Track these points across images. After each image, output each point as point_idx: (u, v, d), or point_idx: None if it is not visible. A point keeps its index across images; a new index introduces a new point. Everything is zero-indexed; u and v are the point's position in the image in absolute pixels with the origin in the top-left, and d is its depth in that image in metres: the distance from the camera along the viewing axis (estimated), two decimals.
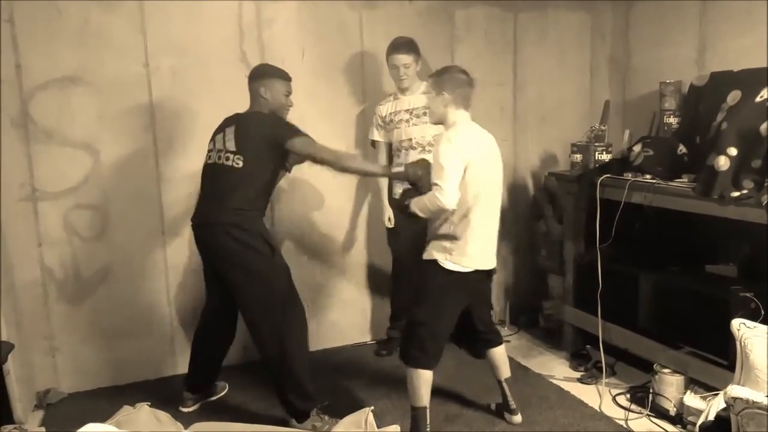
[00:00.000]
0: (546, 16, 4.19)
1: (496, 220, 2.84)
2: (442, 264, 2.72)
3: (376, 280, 4.06)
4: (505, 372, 3.06)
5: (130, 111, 3.37)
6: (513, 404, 3.05)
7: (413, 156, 3.55)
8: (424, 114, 3.52)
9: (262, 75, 2.95)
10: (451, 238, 2.70)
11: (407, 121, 3.57)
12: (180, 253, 3.57)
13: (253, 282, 2.87)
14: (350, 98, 3.82)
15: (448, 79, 2.74)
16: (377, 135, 3.70)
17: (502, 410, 3.10)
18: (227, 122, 2.96)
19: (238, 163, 2.83)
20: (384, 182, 3.75)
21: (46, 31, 3.17)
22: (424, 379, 2.78)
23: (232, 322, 3.17)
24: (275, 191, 3.20)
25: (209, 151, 2.97)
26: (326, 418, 2.97)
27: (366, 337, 4.09)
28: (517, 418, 3.04)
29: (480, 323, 2.98)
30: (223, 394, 3.40)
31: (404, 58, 3.49)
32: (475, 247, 2.72)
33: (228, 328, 3.19)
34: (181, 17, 3.39)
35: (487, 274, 2.89)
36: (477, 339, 3.03)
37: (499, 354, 3.05)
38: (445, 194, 2.57)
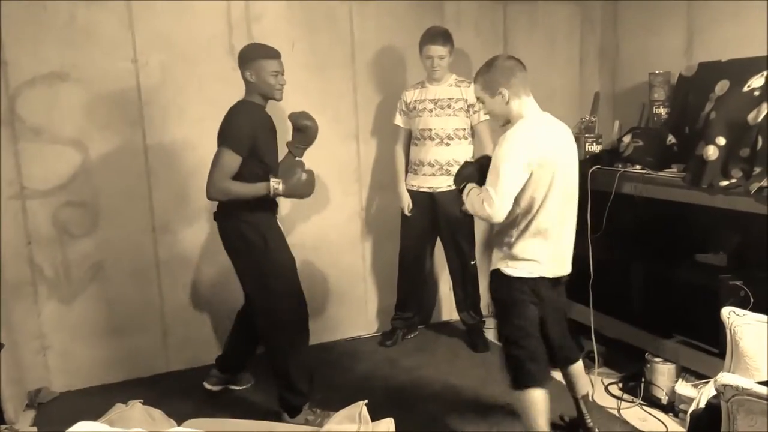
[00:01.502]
0: (535, 7, 4.19)
1: (571, 222, 2.58)
2: (504, 271, 2.51)
3: (379, 273, 4.07)
4: (583, 388, 2.81)
5: (119, 107, 3.35)
6: (590, 422, 2.79)
7: (431, 147, 3.57)
8: (449, 106, 3.55)
9: (246, 58, 2.82)
10: (515, 242, 2.48)
11: (430, 111, 3.57)
12: (171, 249, 3.55)
13: (248, 274, 2.90)
14: (341, 91, 3.81)
15: (497, 72, 2.45)
16: (399, 120, 3.71)
17: (577, 427, 2.86)
18: None
19: None
20: (401, 172, 3.76)
21: (33, 28, 3.14)
22: (532, 401, 2.50)
23: None
24: None
25: None
26: (318, 411, 2.98)
27: (369, 330, 4.09)
28: None
29: (556, 337, 2.70)
30: (247, 386, 3.40)
31: (440, 50, 3.48)
32: (542, 252, 2.48)
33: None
34: (169, 12, 3.36)
35: (559, 282, 2.64)
36: (552, 355, 2.69)
37: (578, 369, 2.80)
38: (495, 207, 2.33)
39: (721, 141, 2.90)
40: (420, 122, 3.61)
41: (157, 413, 2.84)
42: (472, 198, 2.47)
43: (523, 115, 2.47)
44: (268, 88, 2.83)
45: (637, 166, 3.29)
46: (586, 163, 3.50)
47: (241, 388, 3.39)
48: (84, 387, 3.46)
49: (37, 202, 3.28)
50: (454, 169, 3.50)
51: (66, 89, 3.24)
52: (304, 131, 3.01)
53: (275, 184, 2.75)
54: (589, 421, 2.80)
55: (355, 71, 3.82)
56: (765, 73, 2.92)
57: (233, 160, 2.71)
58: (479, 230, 3.97)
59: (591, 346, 3.39)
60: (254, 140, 2.77)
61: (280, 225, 2.99)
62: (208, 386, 3.30)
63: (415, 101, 3.62)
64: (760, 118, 2.80)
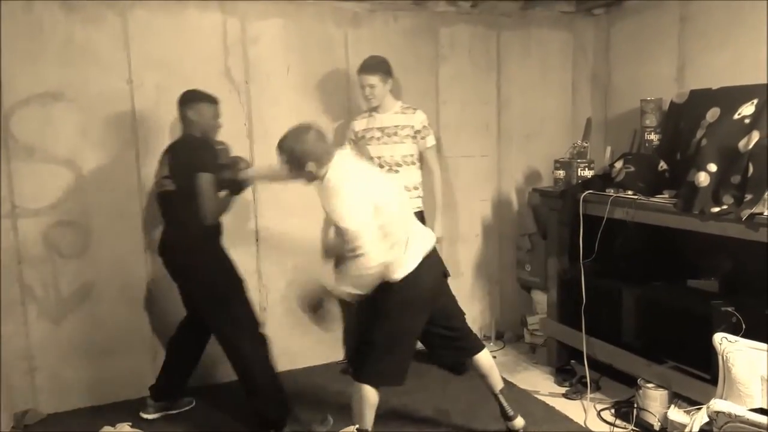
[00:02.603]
0: (529, 34, 4.25)
1: (407, 216, 2.75)
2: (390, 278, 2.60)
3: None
4: (496, 381, 2.97)
5: (113, 127, 3.35)
6: (511, 411, 2.98)
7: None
8: (395, 134, 3.55)
9: (190, 100, 3.02)
10: (391, 252, 2.57)
11: (378, 138, 3.57)
12: (162, 270, 3.52)
13: (204, 299, 3.04)
14: (335, 115, 3.83)
15: (302, 149, 2.56)
16: (349, 149, 3.69)
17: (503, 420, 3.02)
18: (166, 150, 3.08)
19: (172, 187, 2.98)
20: None
21: (29, 47, 3.16)
22: (368, 397, 2.71)
23: (202, 337, 3.25)
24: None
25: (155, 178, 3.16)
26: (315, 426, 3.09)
27: (338, 356, 4.04)
28: (519, 422, 2.99)
29: (445, 329, 2.87)
30: (187, 408, 3.42)
31: (369, 79, 3.48)
32: (411, 248, 2.64)
33: (198, 343, 3.29)
34: (165, 34, 3.39)
35: (442, 276, 2.84)
36: (450, 348, 2.94)
37: (484, 360, 2.95)
38: (370, 257, 2.44)
39: (713, 167, 2.93)
40: (369, 151, 3.59)
41: None
42: (353, 276, 2.51)
43: (333, 169, 2.59)
44: (211, 128, 3.09)
45: (629, 192, 3.31)
46: (577, 188, 3.53)
47: (180, 410, 3.38)
48: (72, 409, 3.41)
49: (28, 221, 3.26)
50: (407, 194, 3.54)
51: (60, 109, 3.24)
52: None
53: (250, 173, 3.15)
54: (509, 410, 2.97)
55: (349, 96, 3.84)
56: (755, 100, 2.96)
57: (212, 182, 2.90)
58: (456, 252, 3.96)
59: (584, 371, 3.38)
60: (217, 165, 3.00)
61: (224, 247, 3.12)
62: (144, 416, 3.29)
63: (363, 130, 3.61)
64: (750, 145, 2.83)
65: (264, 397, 3.03)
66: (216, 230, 3.06)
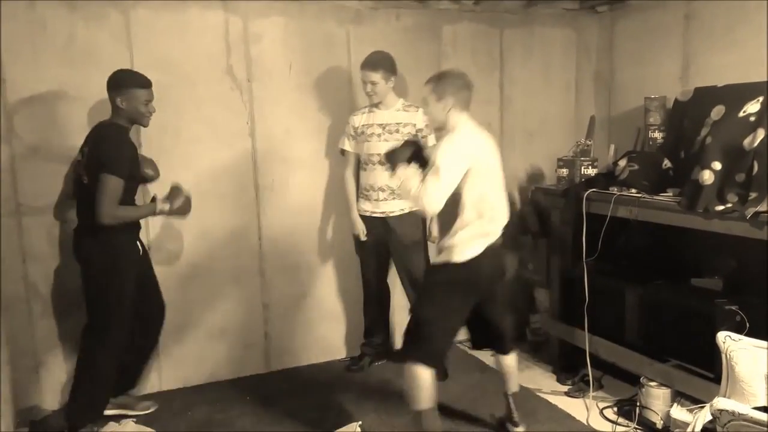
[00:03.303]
0: (532, 32, 4.23)
1: (503, 208, 2.81)
2: (451, 260, 2.68)
3: (350, 296, 4.03)
4: (513, 385, 3.04)
5: None
6: (516, 417, 3.01)
7: (380, 171, 3.52)
8: (397, 131, 3.53)
9: (118, 85, 2.89)
10: (461, 234, 2.67)
11: (378, 135, 3.54)
12: (163, 267, 3.54)
13: (91, 288, 3.02)
14: (337, 113, 3.83)
15: (449, 84, 2.71)
16: (347, 145, 3.66)
17: (504, 422, 3.08)
18: (87, 137, 2.99)
19: (86, 179, 2.90)
20: (353, 197, 3.70)
21: (31, 46, 3.16)
22: (423, 378, 2.68)
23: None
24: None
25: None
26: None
27: (341, 354, 4.03)
28: (520, 430, 3.01)
29: (493, 323, 2.96)
30: (148, 412, 3.33)
31: (372, 76, 3.46)
32: (483, 239, 2.70)
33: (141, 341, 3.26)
34: (167, 33, 3.39)
35: (498, 271, 2.86)
36: (490, 339, 3.04)
37: (510, 362, 3.01)
38: (431, 201, 2.51)
39: (717, 166, 2.92)
40: (368, 147, 3.57)
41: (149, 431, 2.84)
42: (407, 188, 2.60)
43: (458, 126, 2.70)
44: (139, 115, 2.95)
45: (633, 190, 3.30)
46: (581, 186, 3.52)
47: (140, 414, 3.29)
48: None
49: (33, 219, 3.27)
50: None
51: (63, 107, 3.25)
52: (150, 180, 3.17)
53: (162, 205, 2.98)
54: (515, 415, 3.01)
55: (351, 94, 3.84)
56: (760, 98, 2.94)
57: (118, 185, 2.80)
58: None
59: (586, 370, 3.37)
60: (133, 163, 2.90)
61: (140, 245, 3.11)
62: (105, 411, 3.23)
63: (363, 126, 3.59)
64: (755, 143, 2.82)
65: (75, 398, 3.02)
66: (130, 227, 3.02)
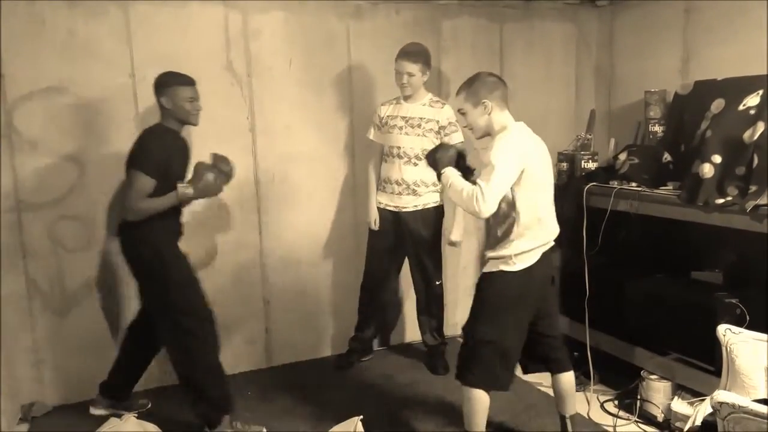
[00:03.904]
0: (532, 26, 4.23)
1: (552, 217, 2.68)
2: (503, 270, 2.57)
3: (351, 291, 4.00)
4: (571, 407, 2.83)
5: (116, 121, 3.36)
6: None
7: (399, 165, 3.53)
8: (419, 126, 3.50)
9: (161, 85, 2.89)
10: (513, 241, 2.54)
11: (401, 128, 3.53)
12: None
13: (147, 291, 3.00)
14: (337, 108, 3.83)
15: (482, 85, 2.58)
16: (373, 134, 3.66)
17: None
18: None
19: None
20: (373, 186, 3.71)
21: (31, 42, 3.16)
22: (480, 400, 2.60)
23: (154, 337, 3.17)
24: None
25: None
26: (239, 425, 3.01)
27: (343, 348, 3.99)
28: None
29: (546, 339, 2.77)
30: (141, 410, 3.31)
31: (408, 66, 3.43)
32: (534, 247, 2.58)
33: (150, 342, 3.20)
34: (167, 28, 3.39)
35: (550, 277, 2.73)
36: (544, 359, 2.81)
37: (567, 382, 2.81)
38: (487, 203, 2.38)
39: (717, 159, 2.92)
40: (390, 139, 3.56)
41: (151, 427, 2.84)
42: (458, 189, 2.50)
43: (506, 125, 2.59)
44: (185, 113, 2.91)
45: (633, 184, 3.31)
46: (581, 180, 3.53)
47: (135, 412, 3.21)
48: (78, 401, 3.42)
49: (32, 215, 3.27)
50: (421, 189, 3.54)
51: (63, 103, 3.25)
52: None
53: (183, 188, 2.84)
54: None
55: (351, 89, 3.84)
56: (760, 91, 2.94)
57: (146, 183, 2.78)
58: (451, 251, 3.97)
59: (587, 363, 3.38)
60: (167, 164, 2.85)
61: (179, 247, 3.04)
62: (94, 412, 3.24)
63: (388, 116, 3.56)
64: (755, 137, 2.82)
65: (200, 396, 2.97)
66: (170, 226, 2.97)
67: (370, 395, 3.46)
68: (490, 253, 2.64)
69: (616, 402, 3.27)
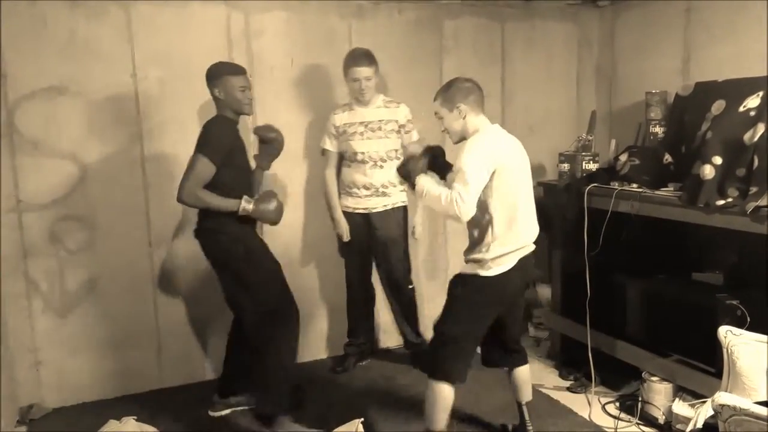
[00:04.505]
0: (533, 26, 4.23)
1: (533, 218, 2.73)
2: (478, 274, 2.61)
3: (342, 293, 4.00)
4: (526, 394, 2.95)
5: (117, 121, 3.36)
6: (530, 426, 2.92)
7: (364, 169, 3.52)
8: (380, 128, 3.51)
9: (212, 76, 2.90)
10: (490, 245, 2.58)
11: (361, 133, 3.51)
12: (167, 264, 3.54)
13: (233, 284, 2.95)
14: (339, 107, 3.81)
15: (457, 91, 2.63)
16: (329, 144, 3.60)
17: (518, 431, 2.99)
18: None
19: None
20: (335, 198, 3.65)
21: (33, 41, 3.16)
22: (444, 395, 2.66)
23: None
24: None
25: None
26: (297, 427, 2.99)
27: (339, 351, 3.99)
28: None
29: (509, 339, 2.86)
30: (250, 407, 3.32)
31: (366, 71, 3.42)
32: (510, 252, 2.61)
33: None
34: (169, 28, 3.38)
35: (525, 283, 2.81)
36: (504, 356, 2.91)
37: (524, 374, 2.93)
38: (466, 203, 2.42)
39: (718, 160, 2.92)
40: (352, 145, 3.52)
41: (150, 430, 2.83)
42: (435, 195, 2.52)
43: (480, 128, 2.63)
44: (237, 103, 2.91)
45: (634, 185, 3.30)
46: (582, 181, 3.52)
47: (250, 407, 3.29)
48: (77, 403, 3.43)
49: (33, 215, 3.27)
50: (390, 190, 3.55)
51: (65, 103, 3.25)
52: (271, 143, 3.11)
53: (246, 204, 2.85)
54: (529, 426, 2.92)
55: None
56: (761, 93, 2.94)
57: (208, 168, 2.78)
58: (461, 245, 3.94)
59: (588, 364, 3.38)
60: (229, 152, 2.85)
61: (260, 235, 3.06)
62: (213, 414, 3.25)
63: (345, 124, 3.53)
64: (756, 138, 2.82)
65: (266, 392, 2.98)
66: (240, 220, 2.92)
67: (372, 397, 3.45)
68: (467, 255, 2.68)
69: (618, 404, 3.27)
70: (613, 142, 3.79)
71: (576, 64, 4.38)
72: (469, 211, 2.45)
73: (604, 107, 4.27)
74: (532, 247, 2.73)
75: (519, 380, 2.92)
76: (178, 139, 3.45)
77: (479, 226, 2.59)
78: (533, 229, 2.72)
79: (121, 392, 3.50)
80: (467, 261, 2.68)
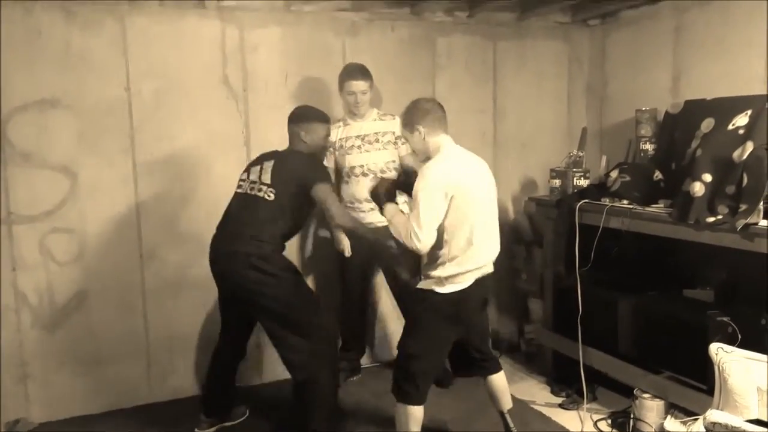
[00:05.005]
0: (525, 45, 4.27)
1: (494, 239, 2.73)
2: (434, 290, 2.63)
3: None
4: (506, 402, 2.95)
5: (110, 134, 3.35)
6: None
7: (365, 183, 3.51)
8: (377, 140, 3.53)
9: (302, 119, 2.99)
10: (443, 264, 2.60)
11: (359, 147, 3.53)
12: (157, 278, 3.52)
13: (278, 310, 2.83)
14: (334, 123, 3.82)
15: (416, 111, 2.67)
16: (327, 160, 3.58)
17: None
18: (266, 156, 2.99)
19: (270, 196, 2.85)
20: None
21: (27, 53, 3.15)
22: (412, 415, 2.68)
23: (244, 347, 3.19)
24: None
25: (241, 181, 3.00)
26: None
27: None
28: None
29: (475, 350, 2.90)
30: (242, 419, 3.34)
31: (361, 85, 3.45)
32: (466, 271, 2.61)
33: (240, 353, 3.19)
34: (163, 41, 3.39)
35: (483, 301, 2.84)
36: (473, 366, 2.94)
37: (498, 382, 2.94)
38: (422, 240, 2.49)
39: (708, 178, 2.94)
40: (349, 160, 3.53)
41: None
42: (398, 226, 2.59)
43: (440, 148, 2.66)
44: (320, 148, 3.09)
45: (625, 201, 3.32)
46: (573, 197, 3.54)
47: (236, 422, 3.30)
48: (64, 417, 3.38)
49: (23, 227, 3.24)
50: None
51: (57, 115, 3.23)
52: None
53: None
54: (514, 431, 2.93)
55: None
56: (749, 111, 2.98)
57: (333, 190, 2.93)
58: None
59: (580, 381, 3.37)
60: None
61: None
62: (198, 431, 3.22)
63: (341, 139, 3.55)
64: (745, 156, 2.85)
65: (318, 420, 2.92)
66: (283, 247, 2.95)
67: (360, 414, 3.43)
68: (424, 271, 2.70)
69: (609, 421, 3.26)
70: (604, 158, 3.82)
71: (567, 82, 4.42)
72: (426, 245, 2.52)
73: (594, 124, 4.31)
74: (491, 268, 2.75)
75: (495, 388, 2.93)
76: (171, 151, 3.45)
77: (436, 244, 2.59)
78: (493, 250, 2.74)
79: (110, 407, 3.46)
80: (424, 276, 2.70)
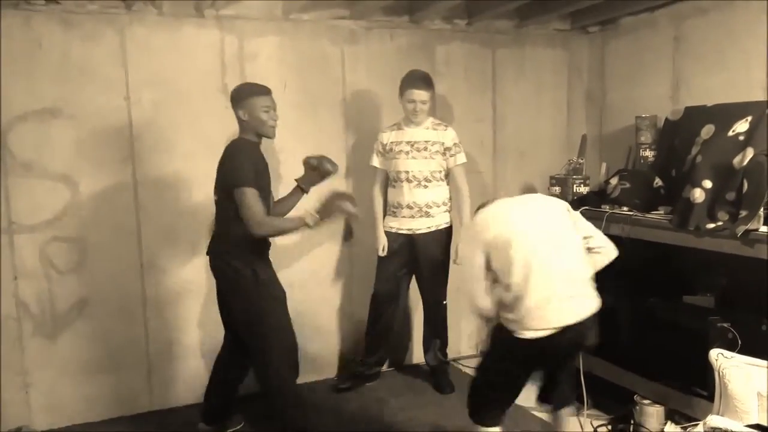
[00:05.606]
0: (524, 52, 4.28)
1: (568, 269, 2.47)
2: (514, 334, 2.43)
3: (343, 315, 4.02)
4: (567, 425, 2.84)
5: (110, 143, 3.36)
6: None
7: (409, 189, 3.55)
8: (425, 149, 3.54)
9: (236, 100, 2.88)
10: (518, 308, 2.39)
11: (407, 153, 3.56)
12: (158, 286, 3.53)
13: (240, 310, 2.89)
14: (332, 131, 3.85)
15: None
16: (376, 161, 3.67)
17: None
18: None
19: (215, 198, 2.91)
20: (379, 213, 3.71)
21: (27, 63, 3.17)
22: None
23: (245, 353, 3.11)
24: None
25: None
26: None
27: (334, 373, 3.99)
28: None
29: (556, 381, 2.76)
30: (238, 427, 3.33)
31: (423, 94, 3.46)
32: (545, 308, 2.37)
33: (242, 359, 3.13)
34: (163, 51, 3.41)
35: (577, 342, 2.52)
36: (549, 395, 2.82)
37: (565, 415, 2.82)
38: (479, 303, 2.51)
39: (708, 184, 2.95)
40: (397, 164, 3.58)
41: None
42: (471, 288, 2.54)
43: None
44: (261, 124, 2.87)
45: (625, 208, 3.33)
46: (573, 204, 3.54)
47: (232, 430, 3.31)
48: (66, 425, 3.38)
49: (24, 236, 3.25)
50: (433, 211, 3.57)
51: (58, 125, 3.25)
52: (324, 176, 3.09)
53: (312, 217, 2.82)
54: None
55: (345, 112, 3.86)
56: (749, 118, 2.98)
57: (256, 194, 2.74)
58: (455, 268, 3.95)
59: (580, 387, 3.36)
60: (258, 176, 2.82)
61: (270, 260, 3.02)
62: None
63: (392, 143, 3.60)
64: (745, 162, 2.85)
65: (284, 427, 2.94)
66: (261, 242, 2.89)
67: (366, 420, 3.42)
68: (501, 313, 2.51)
69: (610, 427, 3.25)
70: (604, 165, 3.83)
71: (566, 90, 4.43)
72: (485, 305, 2.51)
73: (594, 131, 4.31)
74: (586, 299, 2.48)
75: (563, 421, 2.83)
76: (171, 160, 3.47)
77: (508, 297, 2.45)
78: (583, 304, 2.44)
79: (111, 415, 3.46)
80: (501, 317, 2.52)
